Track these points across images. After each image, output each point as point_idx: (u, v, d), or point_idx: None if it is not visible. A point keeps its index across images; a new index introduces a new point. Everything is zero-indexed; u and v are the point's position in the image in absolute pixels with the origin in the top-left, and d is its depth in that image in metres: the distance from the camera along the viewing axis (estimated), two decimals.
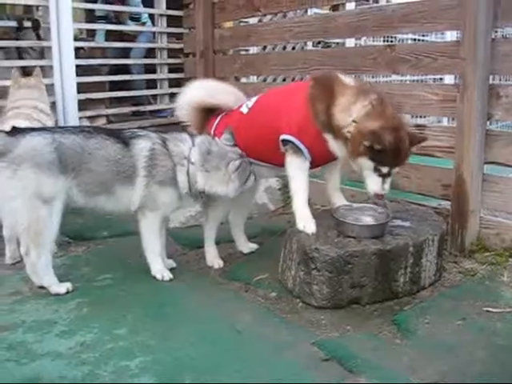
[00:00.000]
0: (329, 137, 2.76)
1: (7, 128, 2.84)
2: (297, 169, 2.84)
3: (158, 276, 2.97)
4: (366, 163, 2.65)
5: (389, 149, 2.55)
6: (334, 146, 2.77)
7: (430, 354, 2.24)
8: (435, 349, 2.28)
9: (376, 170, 2.65)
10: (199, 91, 3.18)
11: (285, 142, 2.83)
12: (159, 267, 3.00)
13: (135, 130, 2.96)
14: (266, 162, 3.04)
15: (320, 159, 2.88)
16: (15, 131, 2.74)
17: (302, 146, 2.77)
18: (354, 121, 2.64)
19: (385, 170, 2.65)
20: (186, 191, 2.92)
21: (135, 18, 6.59)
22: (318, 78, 2.94)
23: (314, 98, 2.78)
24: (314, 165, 2.90)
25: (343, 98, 2.70)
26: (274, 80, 5.84)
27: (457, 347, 2.28)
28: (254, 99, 3.07)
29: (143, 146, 2.85)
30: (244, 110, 3.04)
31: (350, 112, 2.66)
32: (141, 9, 6.43)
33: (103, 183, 2.83)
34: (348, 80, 2.79)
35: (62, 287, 2.83)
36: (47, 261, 2.80)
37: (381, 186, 2.68)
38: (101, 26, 6.23)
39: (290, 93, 2.98)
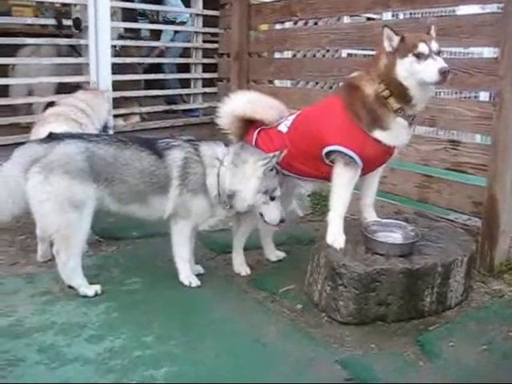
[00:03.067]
0: (379, 132, 2.75)
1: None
2: (344, 183, 2.83)
3: (186, 282, 3.02)
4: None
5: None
6: (389, 135, 2.76)
7: (454, 380, 2.23)
8: (459, 374, 2.27)
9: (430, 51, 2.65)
10: (243, 104, 3.17)
11: (331, 153, 2.83)
12: (187, 273, 3.04)
13: (169, 141, 2.98)
14: (308, 176, 3.06)
15: (371, 163, 2.86)
16: (51, 137, 2.81)
17: (351, 153, 2.75)
18: (380, 80, 2.74)
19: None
20: (214, 194, 2.92)
21: (170, 21, 6.64)
22: (343, 86, 3.02)
23: (349, 103, 2.81)
24: (364, 171, 2.89)
25: (365, 81, 2.79)
26: (307, 83, 5.82)
27: (482, 374, 2.28)
28: (291, 118, 3.08)
29: (176, 156, 2.89)
30: (283, 129, 3.05)
31: (374, 81, 2.76)
32: (178, 8, 6.46)
33: (137, 193, 2.89)
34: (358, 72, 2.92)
35: (91, 289, 2.89)
36: (76, 263, 2.86)
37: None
38: (139, 25, 6.28)
39: (326, 108, 2.96)
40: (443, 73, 2.58)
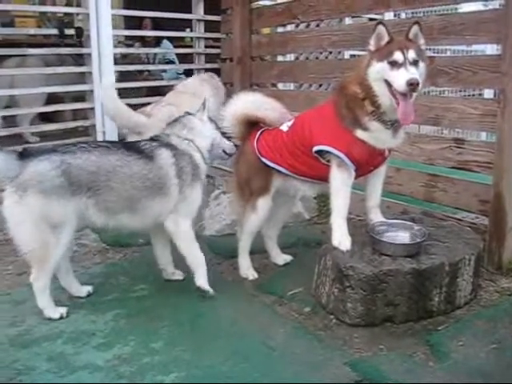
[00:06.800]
0: (360, 131, 2.75)
1: None
2: (340, 184, 2.84)
3: (206, 287, 2.96)
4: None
5: None
6: (369, 136, 2.76)
7: (465, 381, 2.21)
8: (470, 374, 2.26)
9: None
10: (246, 104, 3.20)
11: (325, 153, 2.86)
12: (205, 277, 2.98)
13: (150, 142, 2.95)
14: (305, 175, 3.05)
15: (363, 165, 2.86)
16: (24, 154, 2.68)
17: (338, 153, 2.78)
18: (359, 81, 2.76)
19: None
20: (206, 161, 3.08)
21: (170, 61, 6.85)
22: (335, 87, 3.07)
23: (337, 103, 2.86)
24: (359, 173, 2.89)
25: (349, 81, 2.84)
26: (310, 86, 5.82)
27: (492, 374, 2.26)
28: (293, 119, 3.11)
29: (167, 154, 2.89)
30: (284, 128, 3.08)
31: (356, 81, 2.78)
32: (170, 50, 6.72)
33: (127, 200, 2.78)
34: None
35: (56, 312, 2.78)
36: (45, 285, 2.74)
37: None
38: (138, 33, 6.32)
39: (320, 108, 3.03)
40: (411, 84, 2.55)
